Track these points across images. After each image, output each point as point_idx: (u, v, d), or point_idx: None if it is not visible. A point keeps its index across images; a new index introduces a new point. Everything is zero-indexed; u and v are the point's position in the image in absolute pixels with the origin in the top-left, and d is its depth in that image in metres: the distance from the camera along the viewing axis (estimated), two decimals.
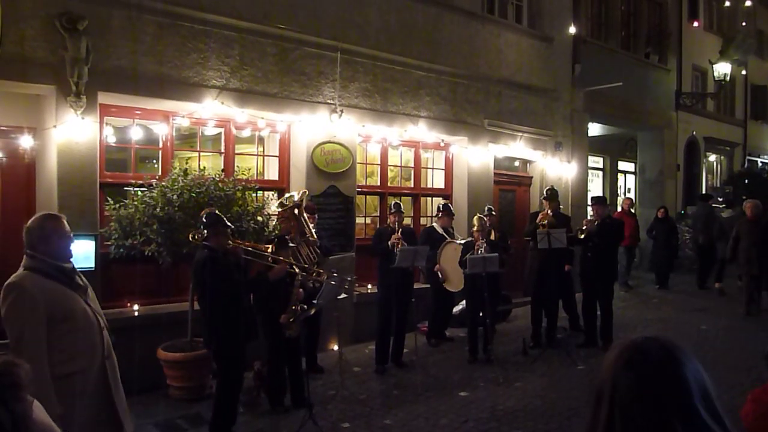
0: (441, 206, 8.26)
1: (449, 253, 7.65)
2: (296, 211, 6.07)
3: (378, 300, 7.04)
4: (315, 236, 6.32)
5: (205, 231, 4.85)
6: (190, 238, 4.98)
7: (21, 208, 5.92)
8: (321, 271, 5.92)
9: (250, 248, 5.24)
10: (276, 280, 5.33)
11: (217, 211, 5.04)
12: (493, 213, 7.93)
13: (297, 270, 5.45)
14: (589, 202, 9.58)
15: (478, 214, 7.44)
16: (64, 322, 3.03)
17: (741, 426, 2.12)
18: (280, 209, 6.19)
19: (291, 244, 5.62)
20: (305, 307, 5.43)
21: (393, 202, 7.31)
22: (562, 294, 8.26)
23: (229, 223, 4.99)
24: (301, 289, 5.48)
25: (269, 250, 5.33)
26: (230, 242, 4.96)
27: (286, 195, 6.47)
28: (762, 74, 21.32)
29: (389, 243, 6.79)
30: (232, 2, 6.87)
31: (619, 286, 10.83)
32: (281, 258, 5.32)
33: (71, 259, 3.24)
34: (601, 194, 12.44)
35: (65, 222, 3.20)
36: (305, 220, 6.20)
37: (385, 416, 5.48)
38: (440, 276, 7.71)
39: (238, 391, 5.05)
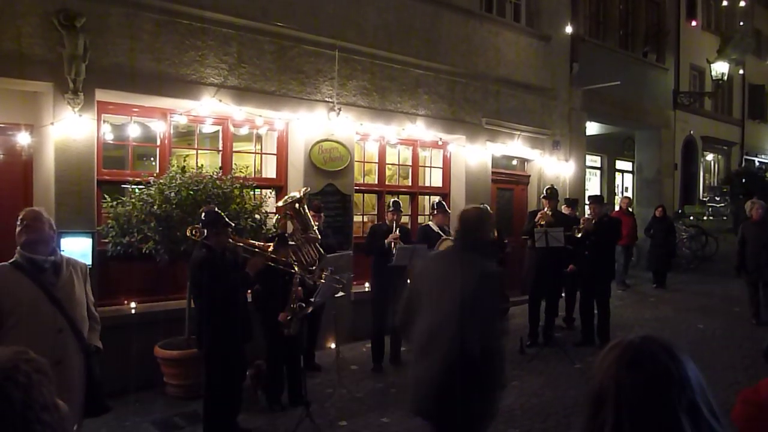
0: (435, 204, 8.23)
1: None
2: (297, 205, 5.98)
3: (373, 298, 7.02)
4: (318, 233, 6.25)
5: (205, 230, 4.74)
6: (188, 233, 4.90)
7: (18, 205, 5.82)
8: (314, 269, 5.83)
9: (249, 246, 5.19)
10: (271, 275, 5.24)
11: (216, 209, 4.96)
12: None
13: (297, 269, 5.38)
14: (587, 201, 9.57)
15: None
16: (11, 315, 3.09)
17: (734, 423, 2.11)
18: (280, 204, 6.13)
19: (291, 243, 5.58)
20: (303, 305, 5.41)
21: (392, 200, 7.29)
22: (561, 292, 8.27)
23: (229, 221, 4.92)
24: (300, 287, 5.41)
25: (270, 248, 5.27)
26: (231, 240, 4.91)
27: (290, 194, 6.43)
28: (759, 73, 21.38)
29: (386, 242, 6.77)
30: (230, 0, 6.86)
31: (616, 285, 10.85)
32: (275, 256, 5.27)
33: (54, 254, 3.29)
34: (598, 193, 12.47)
35: (43, 217, 3.24)
36: (307, 214, 6.11)
37: (383, 414, 5.49)
38: None
39: (227, 393, 4.83)
